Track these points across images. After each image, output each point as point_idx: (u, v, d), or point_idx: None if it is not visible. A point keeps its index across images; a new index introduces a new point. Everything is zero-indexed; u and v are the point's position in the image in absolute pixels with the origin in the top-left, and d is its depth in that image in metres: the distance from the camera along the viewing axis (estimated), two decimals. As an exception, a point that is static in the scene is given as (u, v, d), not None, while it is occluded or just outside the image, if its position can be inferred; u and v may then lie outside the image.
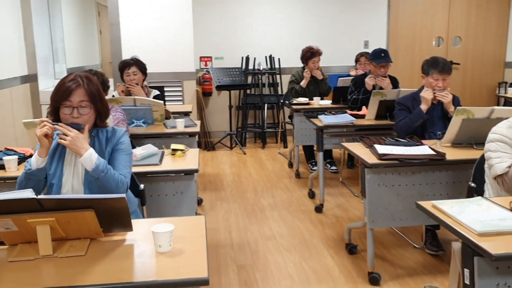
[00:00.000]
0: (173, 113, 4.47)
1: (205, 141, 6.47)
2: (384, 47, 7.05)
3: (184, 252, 1.57)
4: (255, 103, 6.74)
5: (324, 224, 3.78)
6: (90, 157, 1.96)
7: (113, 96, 4.12)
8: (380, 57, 4.21)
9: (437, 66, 3.29)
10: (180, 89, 6.11)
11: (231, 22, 6.90)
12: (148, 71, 4.22)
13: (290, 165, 5.47)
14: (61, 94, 1.97)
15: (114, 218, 1.59)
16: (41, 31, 5.76)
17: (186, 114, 4.72)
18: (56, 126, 1.97)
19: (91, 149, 1.99)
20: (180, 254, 1.55)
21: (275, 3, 6.94)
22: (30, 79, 5.27)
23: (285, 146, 6.46)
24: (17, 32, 5.03)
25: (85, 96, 1.99)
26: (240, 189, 4.69)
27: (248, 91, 6.72)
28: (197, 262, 1.50)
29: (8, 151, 2.75)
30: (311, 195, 4.41)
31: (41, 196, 1.42)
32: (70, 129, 1.96)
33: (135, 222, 1.81)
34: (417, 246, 3.32)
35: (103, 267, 1.48)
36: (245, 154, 6.11)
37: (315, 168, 5.09)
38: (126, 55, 4.89)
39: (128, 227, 1.65)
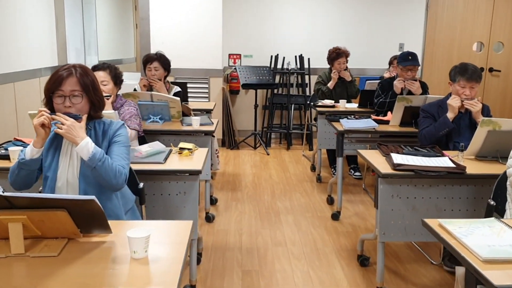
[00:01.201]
0: (194, 110, 4.42)
1: (229, 140, 6.39)
2: (420, 50, 6.79)
3: (160, 260, 1.48)
4: (282, 103, 6.61)
5: (339, 232, 3.63)
6: (87, 145, 1.92)
7: (134, 89, 4.11)
8: (407, 59, 4.02)
9: (465, 73, 3.09)
10: (207, 86, 6.07)
11: (262, 20, 6.78)
12: (175, 67, 4.16)
13: (313, 168, 5.33)
14: (52, 82, 1.94)
15: (90, 220, 1.53)
16: (73, 23, 5.83)
17: (208, 111, 4.67)
18: (53, 116, 1.94)
19: (88, 138, 1.95)
20: (155, 262, 1.47)
21: (308, 2, 6.78)
22: (60, 70, 5.34)
23: (310, 149, 6.30)
24: (49, 23, 5.10)
25: (76, 86, 1.96)
26: (257, 191, 4.59)
27: (275, 91, 6.59)
28: (170, 272, 1.41)
29: (17, 142, 2.75)
30: (330, 201, 4.26)
31: (8, 194, 1.37)
32: (67, 118, 1.92)
33: (120, 224, 1.76)
34: (434, 263, 3.14)
35: (73, 271, 1.42)
36: (268, 154, 6.00)
37: (337, 173, 4.93)
38: (154, 50, 4.89)
39: (106, 229, 1.58)
